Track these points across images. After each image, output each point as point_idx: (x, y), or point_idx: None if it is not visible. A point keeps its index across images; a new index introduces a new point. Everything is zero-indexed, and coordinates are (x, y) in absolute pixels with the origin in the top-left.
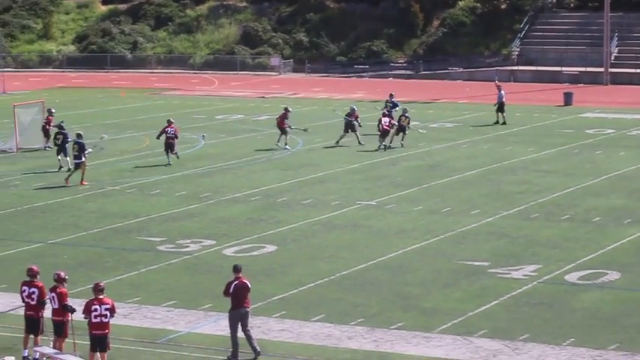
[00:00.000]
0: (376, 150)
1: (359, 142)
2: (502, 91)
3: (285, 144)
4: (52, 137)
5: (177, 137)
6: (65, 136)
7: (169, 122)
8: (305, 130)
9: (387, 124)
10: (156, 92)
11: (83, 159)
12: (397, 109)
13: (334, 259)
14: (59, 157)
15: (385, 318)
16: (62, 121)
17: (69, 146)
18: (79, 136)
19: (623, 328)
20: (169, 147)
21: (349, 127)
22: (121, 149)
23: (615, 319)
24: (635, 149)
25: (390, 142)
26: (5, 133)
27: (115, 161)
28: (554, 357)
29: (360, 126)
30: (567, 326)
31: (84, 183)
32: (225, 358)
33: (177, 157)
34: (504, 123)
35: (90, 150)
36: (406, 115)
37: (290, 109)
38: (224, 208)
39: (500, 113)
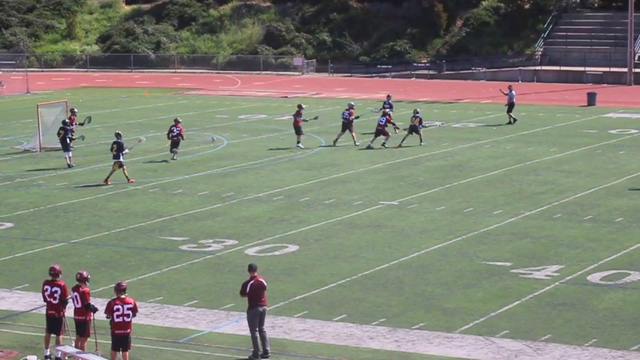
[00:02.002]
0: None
1: (335, 142)
2: (513, 92)
3: (298, 142)
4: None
5: (182, 137)
6: (67, 132)
7: (176, 121)
8: (315, 118)
9: (382, 123)
10: (179, 92)
11: (121, 158)
12: (391, 110)
13: (356, 259)
14: (66, 154)
15: (407, 318)
16: (65, 119)
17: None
18: (117, 135)
19: None
20: (174, 145)
21: (347, 126)
22: (144, 149)
23: (638, 319)
24: None
25: (402, 142)
26: (29, 133)
27: (137, 161)
28: (576, 357)
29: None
30: (589, 327)
31: (107, 182)
32: (247, 357)
33: (174, 159)
34: (514, 121)
35: (127, 150)
36: (417, 115)
37: (303, 106)
38: (246, 208)
39: (509, 113)
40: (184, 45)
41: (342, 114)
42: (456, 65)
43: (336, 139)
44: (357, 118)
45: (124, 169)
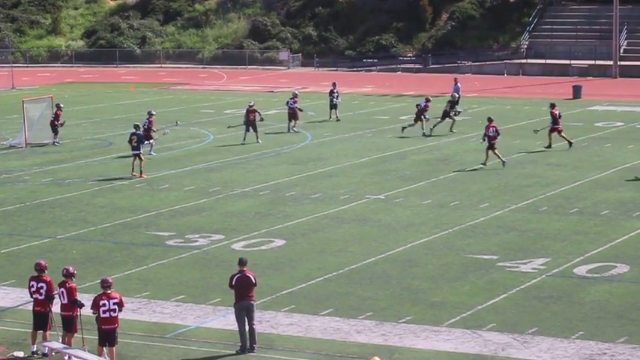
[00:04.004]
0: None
1: (289, 130)
2: (458, 84)
3: (257, 138)
4: None
5: (153, 130)
6: None
7: (149, 114)
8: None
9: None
10: (164, 87)
11: (142, 150)
12: (337, 100)
13: (343, 253)
14: None
15: (394, 312)
16: None
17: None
18: (136, 127)
19: (632, 321)
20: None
21: (293, 115)
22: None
23: (624, 312)
24: None
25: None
26: (14, 129)
27: (124, 156)
28: (563, 350)
29: (300, 110)
30: (576, 319)
31: (143, 175)
32: (235, 352)
33: (150, 154)
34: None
35: (147, 142)
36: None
37: (251, 102)
38: (233, 203)
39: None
40: (170, 40)
41: (287, 103)
42: (442, 59)
43: (293, 127)
44: (300, 110)
45: (141, 162)
